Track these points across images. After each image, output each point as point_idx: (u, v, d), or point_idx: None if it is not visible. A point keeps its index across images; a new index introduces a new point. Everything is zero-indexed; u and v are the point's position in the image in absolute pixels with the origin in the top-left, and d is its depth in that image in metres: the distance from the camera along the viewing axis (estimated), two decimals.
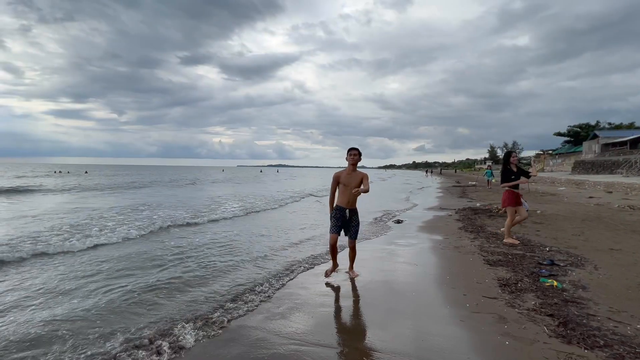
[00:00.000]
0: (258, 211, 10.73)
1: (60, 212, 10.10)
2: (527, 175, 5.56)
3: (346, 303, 3.35)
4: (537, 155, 61.31)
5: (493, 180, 19.63)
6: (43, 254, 5.16)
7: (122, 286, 3.83)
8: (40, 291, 3.70)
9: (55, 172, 51.53)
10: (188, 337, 2.62)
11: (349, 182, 3.82)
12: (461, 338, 2.58)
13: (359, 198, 3.86)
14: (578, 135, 50.69)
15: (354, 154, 3.85)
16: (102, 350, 2.48)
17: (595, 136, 41.01)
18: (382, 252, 5.33)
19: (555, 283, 3.56)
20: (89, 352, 2.45)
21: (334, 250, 3.99)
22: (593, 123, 51.94)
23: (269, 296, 3.54)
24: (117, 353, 2.41)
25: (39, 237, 6.24)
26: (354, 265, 4.17)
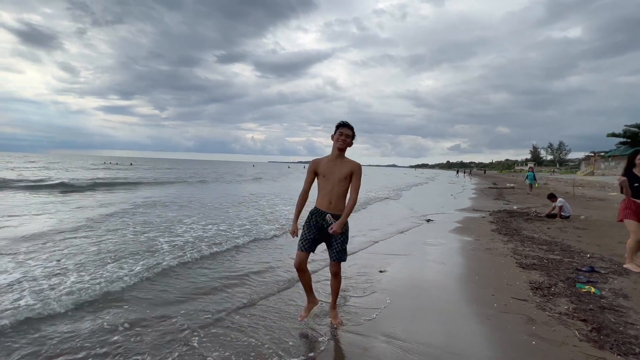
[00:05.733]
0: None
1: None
2: None
3: (375, 296, 3.46)
4: (587, 157, 56.46)
5: (536, 185, 17.86)
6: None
7: None
8: None
9: (104, 163, 56.80)
10: None
11: (331, 174, 2.59)
12: (486, 335, 2.62)
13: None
14: (636, 136, 45.90)
15: (347, 135, 2.60)
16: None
17: None
18: (410, 250, 5.36)
19: (592, 289, 3.42)
20: None
21: (303, 276, 2.73)
22: None
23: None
24: None
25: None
26: (336, 302, 2.86)
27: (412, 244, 5.81)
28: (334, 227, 2.49)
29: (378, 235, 6.52)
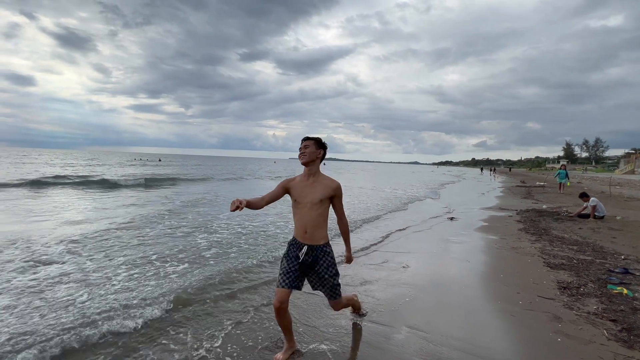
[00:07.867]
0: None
1: None
2: None
3: (397, 290, 3.55)
4: (627, 155, 52.77)
5: (568, 184, 16.72)
6: None
7: None
8: None
9: (134, 159, 59.97)
10: None
11: (302, 197, 2.19)
12: (510, 330, 2.65)
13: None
14: None
15: (305, 146, 2.19)
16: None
17: None
18: (433, 248, 5.37)
19: (625, 291, 3.33)
20: None
21: (283, 319, 2.18)
22: None
23: None
24: None
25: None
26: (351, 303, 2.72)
27: (437, 241, 5.80)
28: (350, 259, 2.43)
29: (404, 233, 6.55)
